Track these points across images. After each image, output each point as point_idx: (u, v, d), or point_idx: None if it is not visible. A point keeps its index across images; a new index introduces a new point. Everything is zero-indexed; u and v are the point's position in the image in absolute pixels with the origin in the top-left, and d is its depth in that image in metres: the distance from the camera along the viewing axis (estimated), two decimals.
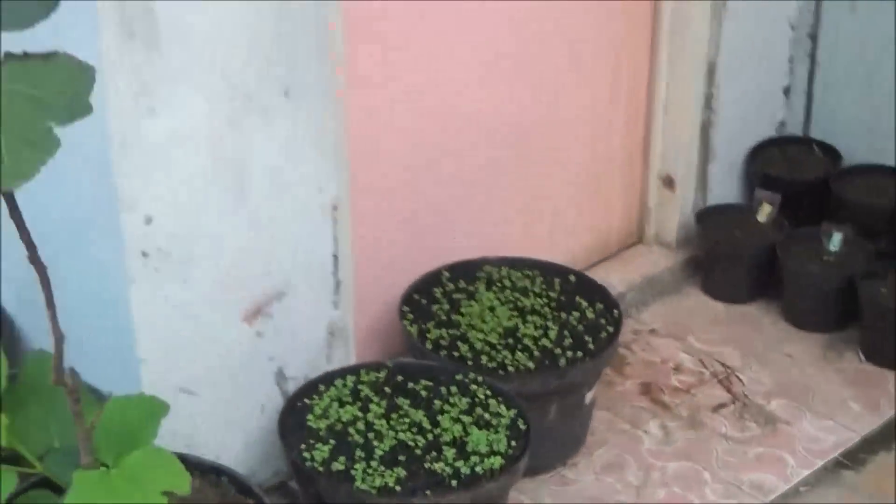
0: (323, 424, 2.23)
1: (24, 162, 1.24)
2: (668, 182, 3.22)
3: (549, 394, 2.45)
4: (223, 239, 2.18)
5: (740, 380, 2.91)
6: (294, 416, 2.27)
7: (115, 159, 1.98)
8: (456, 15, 2.64)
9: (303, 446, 2.18)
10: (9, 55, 1.27)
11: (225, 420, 2.33)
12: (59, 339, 1.56)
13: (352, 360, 2.52)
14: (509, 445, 2.20)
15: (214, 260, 2.19)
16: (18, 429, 1.80)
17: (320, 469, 2.13)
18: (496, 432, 2.22)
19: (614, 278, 3.14)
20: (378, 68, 2.56)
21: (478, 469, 2.13)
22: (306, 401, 2.29)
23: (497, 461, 2.15)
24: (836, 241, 3.00)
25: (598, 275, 3.01)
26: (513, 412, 2.28)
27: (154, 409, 1.81)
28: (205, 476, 2.10)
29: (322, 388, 2.33)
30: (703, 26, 3.03)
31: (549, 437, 2.45)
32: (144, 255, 2.07)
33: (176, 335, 2.18)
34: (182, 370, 2.22)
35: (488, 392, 2.32)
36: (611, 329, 2.58)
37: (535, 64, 2.86)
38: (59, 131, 1.27)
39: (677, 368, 2.96)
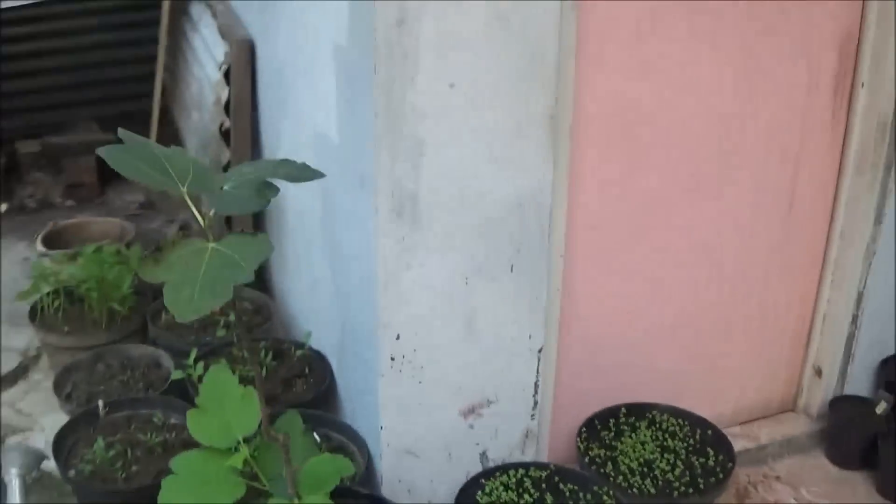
0: (485, 501, 3.16)
1: (203, 304, 1.93)
2: (819, 372, 3.94)
3: None
4: (452, 358, 3.16)
5: None
6: (471, 489, 3.23)
7: (380, 296, 3.03)
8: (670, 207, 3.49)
9: None
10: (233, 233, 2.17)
11: (438, 478, 3.32)
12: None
13: (542, 458, 3.44)
14: None
15: (444, 372, 3.17)
16: (264, 460, 2.69)
17: None
18: None
19: (763, 433, 3.92)
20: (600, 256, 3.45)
21: None
22: (482, 480, 3.24)
23: None
24: None
25: (752, 428, 3.89)
26: None
27: (341, 467, 2.73)
28: None
29: (498, 473, 3.25)
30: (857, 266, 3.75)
31: None
32: (392, 358, 3.11)
33: (408, 416, 3.19)
34: (410, 438, 3.24)
35: (612, 502, 3.15)
36: (721, 476, 3.33)
37: (730, 256, 3.65)
38: None
39: None
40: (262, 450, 2.69)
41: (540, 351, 3.25)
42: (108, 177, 6.19)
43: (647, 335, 3.63)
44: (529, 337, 3.22)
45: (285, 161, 2.44)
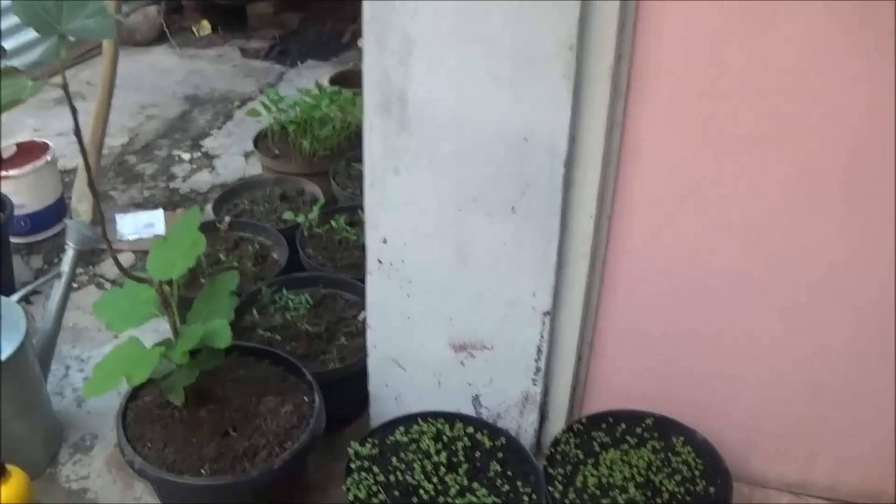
0: (404, 438, 2.84)
1: None
2: None
3: None
4: (442, 285, 2.79)
5: None
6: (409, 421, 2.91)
7: (367, 192, 2.74)
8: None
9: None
10: None
11: (426, 400, 3.02)
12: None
13: (549, 430, 3.02)
14: None
15: (433, 296, 2.82)
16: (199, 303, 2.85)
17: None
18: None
19: None
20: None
21: None
22: (431, 419, 2.91)
23: None
24: None
25: None
26: None
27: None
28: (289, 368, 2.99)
29: (459, 421, 2.90)
30: None
31: None
32: (380, 261, 2.83)
33: (394, 325, 2.92)
34: (396, 349, 2.97)
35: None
36: None
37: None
38: None
39: None
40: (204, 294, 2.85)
41: (546, 314, 2.72)
42: None
43: (715, 348, 2.87)
44: (533, 294, 2.71)
45: None
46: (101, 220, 2.65)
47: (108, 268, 4.27)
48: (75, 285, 4.15)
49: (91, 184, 2.58)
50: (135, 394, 2.93)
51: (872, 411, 2.83)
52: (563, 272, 2.71)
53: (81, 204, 4.48)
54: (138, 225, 4.55)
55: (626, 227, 2.70)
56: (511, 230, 2.63)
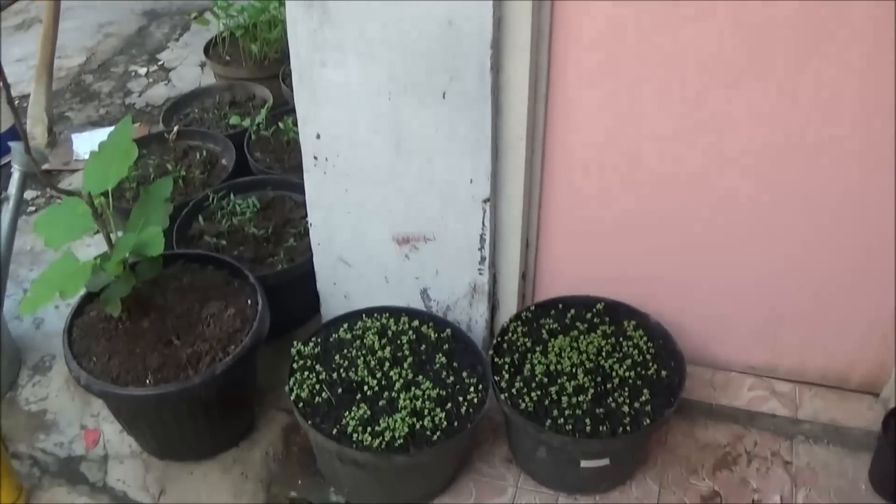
0: (346, 335, 2.79)
1: None
2: None
3: None
4: (380, 177, 2.73)
5: None
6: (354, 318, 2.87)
7: (297, 87, 2.66)
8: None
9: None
10: None
11: (375, 296, 2.97)
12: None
13: (499, 318, 2.98)
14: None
15: (372, 189, 2.76)
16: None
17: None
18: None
19: (807, 404, 2.94)
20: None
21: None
22: (377, 315, 2.86)
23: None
24: None
25: (800, 393, 2.97)
26: None
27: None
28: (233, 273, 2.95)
29: (404, 315, 2.85)
30: None
31: None
32: (315, 158, 2.76)
33: (336, 222, 2.86)
34: (341, 247, 2.92)
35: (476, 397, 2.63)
36: (630, 426, 2.57)
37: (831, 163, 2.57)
38: None
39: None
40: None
41: (486, 201, 2.66)
42: None
43: (666, 227, 2.80)
44: (471, 182, 2.65)
45: None
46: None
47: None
48: (32, 208, 4.09)
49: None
50: (80, 309, 2.89)
51: (837, 294, 2.78)
52: (500, 158, 2.63)
53: (36, 127, 4.41)
54: (94, 143, 4.46)
55: (564, 108, 2.62)
56: (444, 116, 2.56)
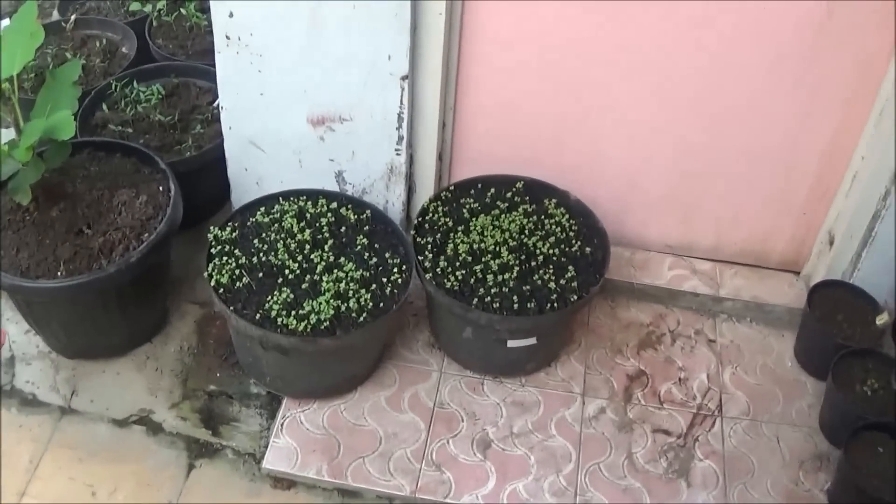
0: (264, 218, 2.72)
1: None
2: (831, 240, 2.72)
3: None
4: (294, 56, 2.63)
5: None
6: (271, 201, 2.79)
7: None
8: None
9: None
10: None
11: (289, 181, 2.89)
12: None
13: (416, 201, 2.93)
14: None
15: (286, 68, 2.66)
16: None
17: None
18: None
19: (729, 282, 2.98)
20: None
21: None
22: (294, 199, 2.78)
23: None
24: None
25: (721, 272, 3.01)
26: None
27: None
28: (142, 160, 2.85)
29: (322, 199, 2.78)
30: None
31: None
32: (227, 37, 2.65)
33: (247, 104, 2.76)
34: (253, 130, 2.83)
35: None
36: (556, 302, 2.58)
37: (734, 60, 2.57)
38: None
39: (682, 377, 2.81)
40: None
41: (404, 78, 2.58)
42: None
43: (577, 98, 2.78)
44: (389, 58, 2.57)
45: None
46: None
47: None
48: None
49: None
50: None
51: (752, 170, 2.79)
52: (418, 34, 2.56)
53: None
54: None
55: None
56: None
